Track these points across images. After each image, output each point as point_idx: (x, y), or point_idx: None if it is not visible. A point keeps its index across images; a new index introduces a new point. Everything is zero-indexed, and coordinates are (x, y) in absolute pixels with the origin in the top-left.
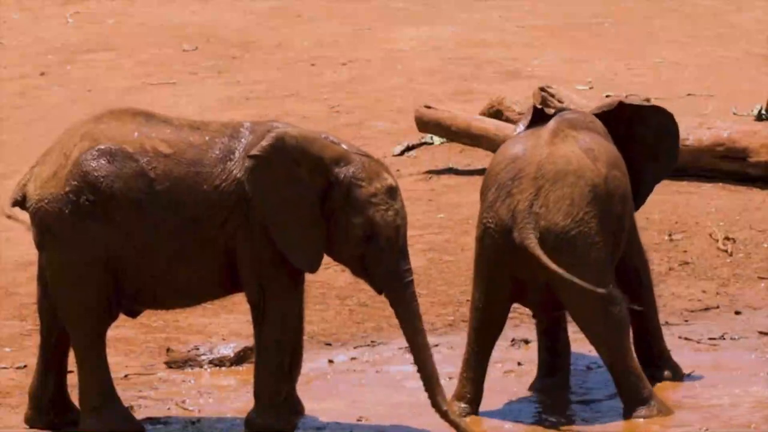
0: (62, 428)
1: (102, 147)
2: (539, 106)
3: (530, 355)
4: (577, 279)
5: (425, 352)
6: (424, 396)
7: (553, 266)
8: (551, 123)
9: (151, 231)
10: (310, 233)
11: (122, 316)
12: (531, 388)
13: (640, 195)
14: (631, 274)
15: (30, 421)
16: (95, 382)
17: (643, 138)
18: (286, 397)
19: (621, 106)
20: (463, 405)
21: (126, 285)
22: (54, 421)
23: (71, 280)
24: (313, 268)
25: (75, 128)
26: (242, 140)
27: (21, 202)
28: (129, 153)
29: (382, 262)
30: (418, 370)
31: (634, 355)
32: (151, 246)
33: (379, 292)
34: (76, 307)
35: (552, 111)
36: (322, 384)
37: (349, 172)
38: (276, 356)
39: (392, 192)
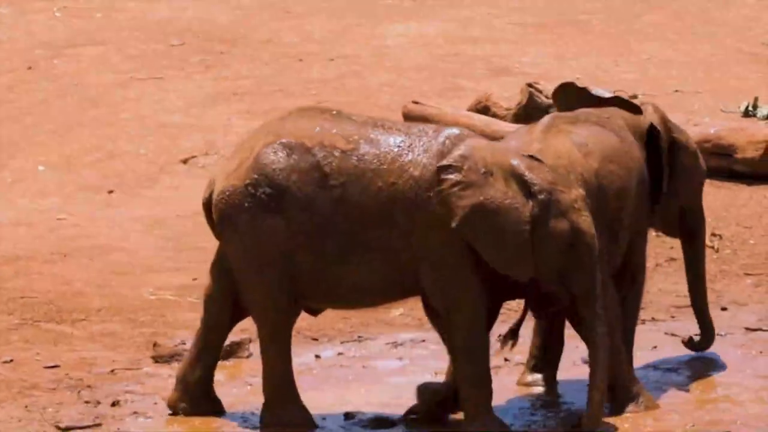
0: (203, 416)
1: (283, 141)
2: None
3: (518, 350)
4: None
5: (601, 367)
6: (410, 392)
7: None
8: (545, 118)
9: (324, 227)
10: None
11: (106, 309)
12: (518, 383)
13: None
14: (626, 273)
15: (173, 404)
16: (275, 377)
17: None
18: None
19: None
20: None
21: (298, 282)
22: (197, 407)
23: (253, 270)
24: (524, 275)
25: (265, 125)
26: (424, 140)
27: (210, 198)
28: (307, 147)
29: (583, 269)
30: (590, 371)
31: (623, 352)
32: (323, 243)
33: (571, 303)
34: (260, 298)
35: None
36: (309, 379)
37: (548, 178)
38: (469, 365)
39: (583, 198)
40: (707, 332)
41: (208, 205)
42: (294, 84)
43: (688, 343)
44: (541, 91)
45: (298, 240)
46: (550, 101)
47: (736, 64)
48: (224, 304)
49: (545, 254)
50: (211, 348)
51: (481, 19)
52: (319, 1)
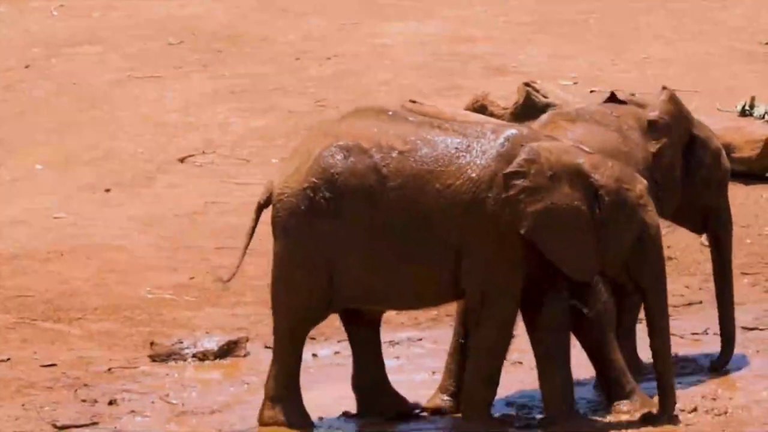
0: (382, 412)
1: (341, 143)
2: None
3: (515, 348)
4: None
5: (665, 356)
6: (406, 390)
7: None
8: (543, 116)
9: (380, 228)
10: (585, 241)
11: (104, 308)
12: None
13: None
14: None
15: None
16: (282, 375)
17: None
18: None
19: None
20: (446, 398)
21: (350, 285)
22: (373, 403)
23: (296, 273)
24: (590, 276)
25: (321, 126)
26: (482, 141)
27: (268, 201)
28: (364, 148)
29: (650, 262)
30: (656, 373)
31: (618, 349)
32: (379, 245)
33: (639, 293)
34: (293, 300)
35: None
36: (306, 377)
37: (613, 176)
38: (488, 363)
39: (647, 188)
40: (725, 349)
41: (262, 207)
42: (292, 82)
43: (710, 366)
44: (538, 91)
45: (353, 243)
46: (548, 100)
47: (733, 63)
48: None
49: (614, 252)
50: (368, 342)
51: (479, 19)
52: (318, 0)
